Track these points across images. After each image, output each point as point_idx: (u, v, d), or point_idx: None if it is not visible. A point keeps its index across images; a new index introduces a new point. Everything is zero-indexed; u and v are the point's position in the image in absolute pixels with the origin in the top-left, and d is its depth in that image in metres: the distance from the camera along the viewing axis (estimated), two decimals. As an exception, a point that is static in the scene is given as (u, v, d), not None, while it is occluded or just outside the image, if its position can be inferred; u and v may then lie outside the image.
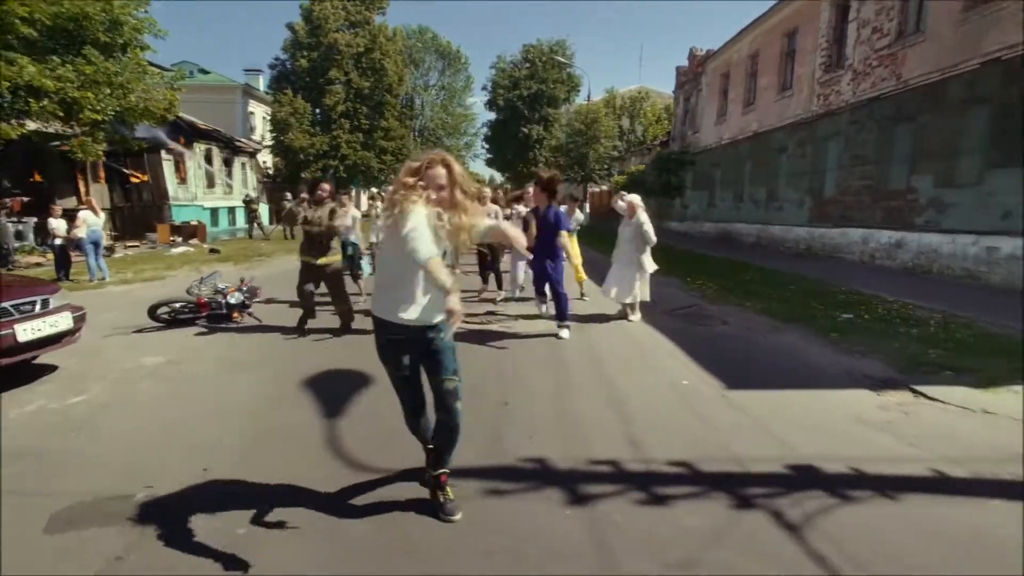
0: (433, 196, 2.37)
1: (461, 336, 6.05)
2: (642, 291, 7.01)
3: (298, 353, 5.46)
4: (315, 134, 32.49)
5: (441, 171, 2.42)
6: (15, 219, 15.56)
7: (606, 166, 32.65)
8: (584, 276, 8.78)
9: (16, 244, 14.16)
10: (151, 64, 15.76)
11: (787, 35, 17.09)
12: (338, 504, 2.72)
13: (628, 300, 7.00)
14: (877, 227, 12.46)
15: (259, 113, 35.74)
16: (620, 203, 7.06)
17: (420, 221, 2.22)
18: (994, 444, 3.42)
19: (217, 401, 4.17)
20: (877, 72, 12.63)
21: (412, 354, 2.55)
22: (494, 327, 6.72)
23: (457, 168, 2.47)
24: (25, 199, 17.52)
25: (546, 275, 6.35)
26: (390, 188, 2.46)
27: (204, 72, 32.84)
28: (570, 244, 8.38)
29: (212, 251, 16.02)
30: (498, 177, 54.83)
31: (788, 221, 16.44)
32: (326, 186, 6.57)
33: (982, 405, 4.03)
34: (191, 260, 14.16)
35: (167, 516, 2.59)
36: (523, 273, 8.29)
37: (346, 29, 33.80)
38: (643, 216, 6.82)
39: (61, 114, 12.07)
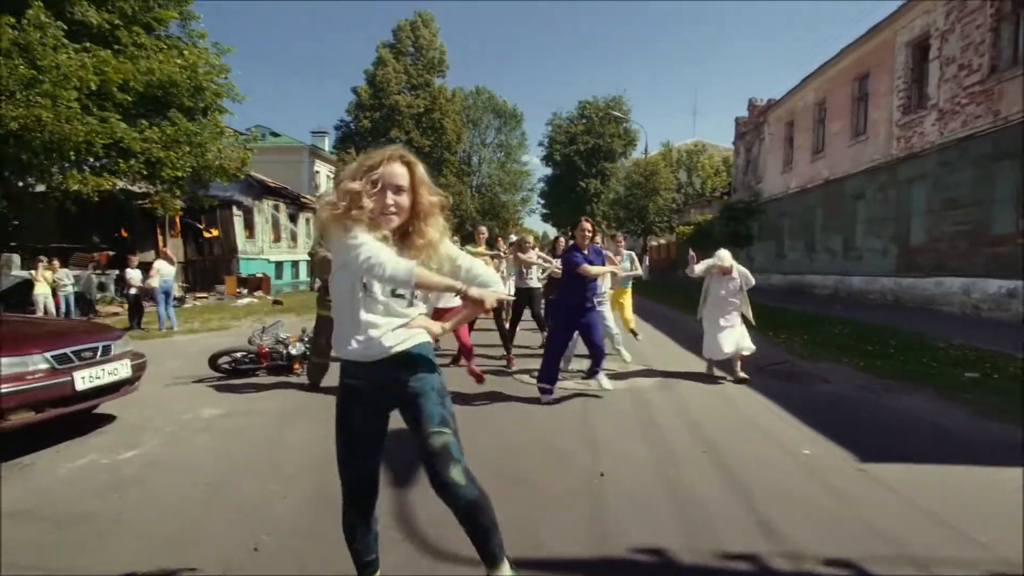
0: (390, 205, 1.77)
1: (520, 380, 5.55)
2: (747, 341, 6.26)
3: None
4: (376, 191, 33.61)
5: (400, 170, 1.80)
6: (100, 271, 16.46)
7: (666, 218, 32.07)
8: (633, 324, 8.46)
9: (99, 295, 14.88)
10: (227, 127, 16.70)
11: (858, 79, 16.43)
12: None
13: (736, 351, 6.15)
14: (981, 276, 11.26)
15: (324, 172, 37.55)
16: (696, 267, 6.28)
17: (367, 236, 1.70)
18: None
19: (271, 460, 3.78)
20: (968, 110, 11.76)
21: (374, 407, 1.88)
22: (566, 382, 6.16)
23: (420, 168, 1.87)
24: (111, 253, 18.63)
25: (587, 330, 5.45)
26: (323, 200, 1.84)
27: (275, 135, 34.98)
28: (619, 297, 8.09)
29: (275, 303, 16.32)
30: (552, 232, 55.25)
31: (870, 271, 15.26)
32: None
33: None
34: (255, 311, 14.39)
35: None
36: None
37: (407, 91, 35.52)
38: (741, 267, 6.31)
39: (145, 172, 12.74)
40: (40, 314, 10.36)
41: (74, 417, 4.17)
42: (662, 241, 34.28)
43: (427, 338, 1.92)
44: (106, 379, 4.11)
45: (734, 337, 6.17)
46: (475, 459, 3.65)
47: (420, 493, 3.12)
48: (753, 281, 6.30)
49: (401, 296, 1.84)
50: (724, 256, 6.20)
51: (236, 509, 2.98)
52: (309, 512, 2.96)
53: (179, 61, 13.45)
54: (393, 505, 3.01)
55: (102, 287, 15.22)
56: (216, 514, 2.95)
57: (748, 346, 6.22)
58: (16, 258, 18.62)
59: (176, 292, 16.38)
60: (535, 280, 8.02)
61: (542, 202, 43.87)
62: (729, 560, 2.48)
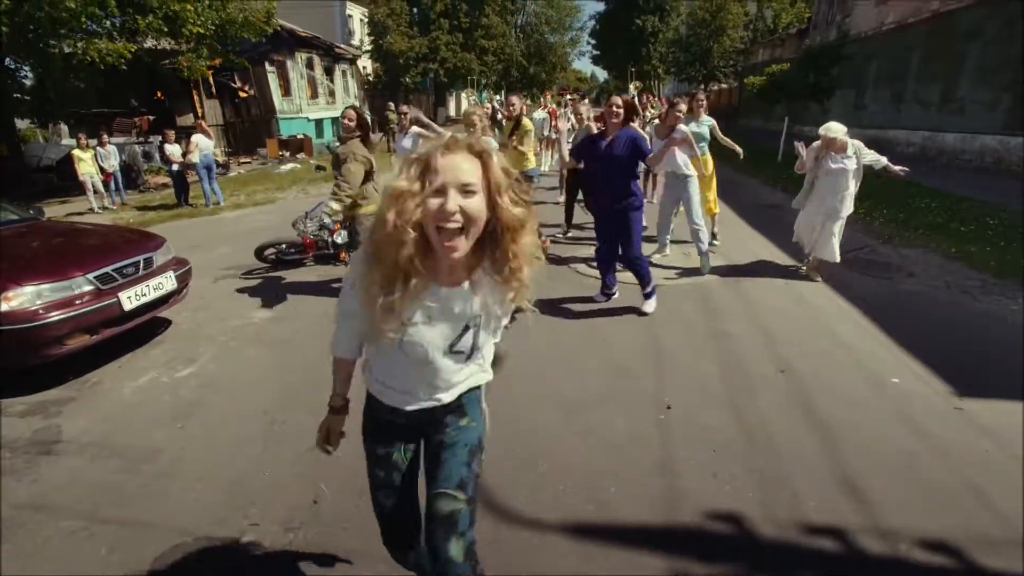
0: (452, 212, 1.20)
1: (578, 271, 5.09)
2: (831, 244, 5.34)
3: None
4: (414, 36, 31.06)
5: (467, 164, 1.23)
6: (142, 139, 16.31)
7: (732, 62, 28.48)
8: (717, 208, 6.96)
9: (145, 165, 14.87)
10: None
11: None
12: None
13: (825, 256, 5.39)
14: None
15: (357, 16, 34.64)
16: (805, 157, 5.25)
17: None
18: None
19: (324, 384, 3.73)
20: None
21: (405, 438, 1.62)
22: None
23: (497, 161, 1.28)
24: (151, 118, 18.32)
25: (614, 250, 4.66)
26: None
27: (302, -25, 31.88)
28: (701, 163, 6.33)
29: (318, 168, 15.95)
30: (602, 76, 50.72)
31: (971, 127, 13.38)
32: (352, 113, 4.79)
33: None
34: (299, 179, 14.19)
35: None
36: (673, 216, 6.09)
37: (443, -85, 31.05)
38: (858, 143, 5.11)
39: (166, 29, 11.89)
40: (90, 195, 10.40)
41: (140, 326, 4.16)
42: (723, 86, 30.93)
43: (484, 379, 1.59)
44: (152, 295, 4.02)
45: (813, 236, 5.41)
46: (527, 381, 3.54)
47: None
48: (878, 158, 5.10)
49: (460, 352, 1.45)
50: (836, 129, 5.07)
51: (295, 447, 2.94)
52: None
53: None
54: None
55: (147, 156, 15.14)
56: (276, 452, 2.93)
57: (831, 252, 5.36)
58: (64, 127, 18.64)
59: (220, 158, 16.26)
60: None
61: (592, 43, 39.73)
62: (813, 536, 2.28)
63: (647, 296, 4.74)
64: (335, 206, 4.41)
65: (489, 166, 1.25)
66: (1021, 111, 11.92)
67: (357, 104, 26.73)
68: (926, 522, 2.33)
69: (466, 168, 1.22)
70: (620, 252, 4.62)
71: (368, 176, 4.64)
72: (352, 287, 1.39)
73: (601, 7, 35.17)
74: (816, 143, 5.21)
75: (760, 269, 5.91)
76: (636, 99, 5.72)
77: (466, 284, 1.36)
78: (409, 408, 1.49)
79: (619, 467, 2.72)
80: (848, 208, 5.24)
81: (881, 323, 4.42)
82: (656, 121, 6.22)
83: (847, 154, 5.04)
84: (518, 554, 2.21)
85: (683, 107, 5.43)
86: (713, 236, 6.81)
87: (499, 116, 5.30)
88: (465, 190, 1.21)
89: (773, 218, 7.95)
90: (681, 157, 5.36)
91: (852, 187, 5.16)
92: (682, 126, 5.25)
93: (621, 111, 4.31)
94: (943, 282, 5.44)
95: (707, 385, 3.52)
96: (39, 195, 12.81)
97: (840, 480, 2.60)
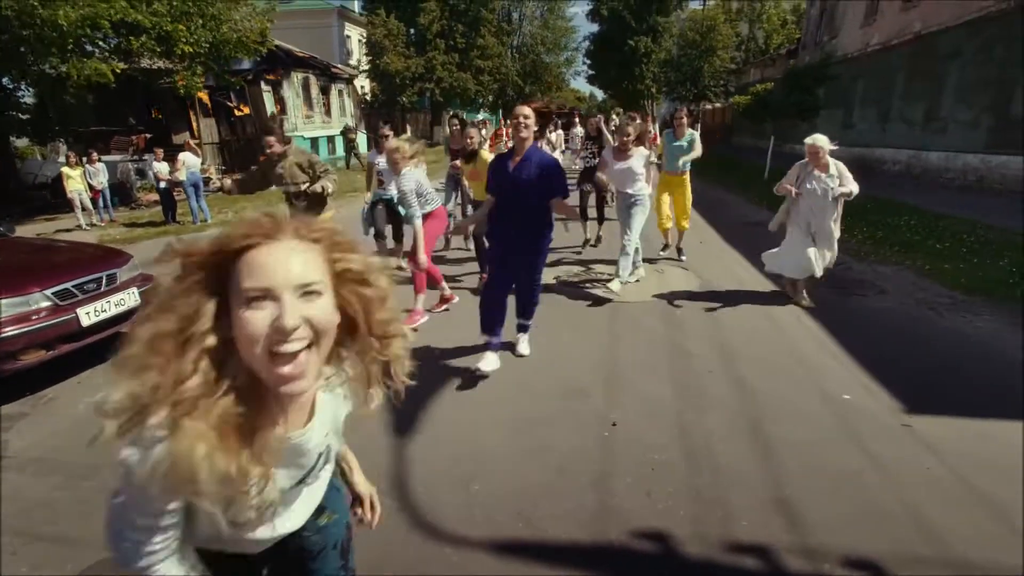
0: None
1: (548, 288, 5.02)
2: (822, 263, 5.14)
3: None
4: (410, 56, 31.50)
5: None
6: (136, 157, 16.48)
7: (722, 81, 28.87)
8: (688, 224, 7.03)
9: (139, 182, 15.01)
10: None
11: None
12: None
13: (807, 274, 5.18)
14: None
15: (355, 36, 35.18)
16: (787, 184, 5.04)
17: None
18: None
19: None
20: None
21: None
22: (592, 289, 5.81)
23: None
24: (147, 136, 18.53)
25: (510, 280, 4.01)
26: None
27: (300, -4, 32.45)
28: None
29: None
30: (599, 95, 51.24)
31: (954, 146, 13.52)
32: (270, 139, 5.07)
33: None
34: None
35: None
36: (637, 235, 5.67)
37: (439, -61, 31.68)
38: (842, 167, 4.93)
39: (159, 49, 12.09)
40: (78, 212, 10.50)
41: (102, 343, 4.17)
42: (719, 104, 31.27)
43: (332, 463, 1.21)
44: (113, 311, 4.05)
45: (821, 253, 5.07)
46: (470, 398, 3.55)
47: (419, 452, 3.01)
48: (854, 188, 4.85)
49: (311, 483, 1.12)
50: (821, 140, 4.89)
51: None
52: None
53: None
54: (391, 469, 2.90)
55: (140, 173, 15.29)
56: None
57: (829, 265, 5.20)
58: (63, 146, 18.85)
59: (213, 175, 16.40)
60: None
61: (587, 63, 40.22)
62: (737, 554, 2.28)
63: (523, 329, 4.22)
64: (331, 187, 5.12)
65: (336, 251, 0.91)
66: (1001, 131, 12.05)
67: (352, 124, 27.06)
68: (856, 540, 2.32)
69: (301, 261, 0.86)
70: (516, 283, 4.02)
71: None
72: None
73: (596, 28, 35.55)
74: (800, 161, 5.14)
75: (733, 287, 5.93)
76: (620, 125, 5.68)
77: (316, 418, 1.03)
78: (253, 551, 1.11)
79: (555, 485, 2.72)
80: (835, 232, 5.08)
81: (843, 340, 4.43)
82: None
83: (830, 173, 4.91)
84: (441, 573, 2.20)
85: (631, 130, 5.41)
86: (679, 251, 6.97)
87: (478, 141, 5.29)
88: (306, 291, 0.85)
89: (755, 235, 8.03)
90: (631, 176, 5.38)
91: (836, 210, 4.99)
92: (642, 149, 5.33)
93: (530, 122, 3.65)
94: (913, 300, 5.47)
95: (657, 403, 3.52)
96: (32, 212, 12.90)
97: (777, 499, 2.59)
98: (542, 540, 2.36)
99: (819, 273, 5.12)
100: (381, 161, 6.13)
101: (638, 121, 6.19)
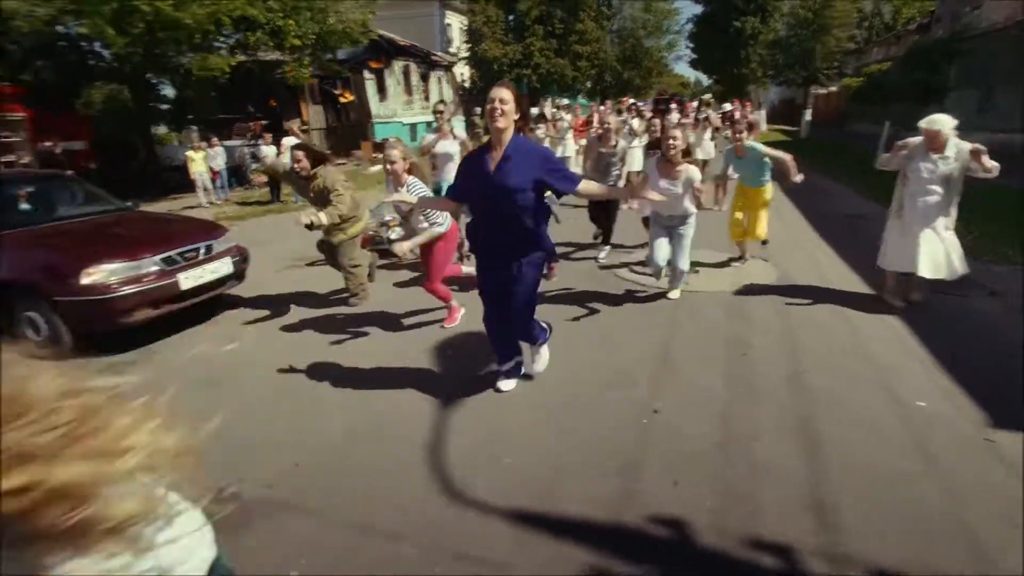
0: None
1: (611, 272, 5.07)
2: (956, 260, 4.48)
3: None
4: (508, 43, 31.77)
5: None
6: (253, 142, 18.07)
7: (836, 63, 26.30)
8: (765, 234, 6.07)
9: (253, 165, 16.48)
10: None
11: None
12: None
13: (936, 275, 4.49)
14: None
15: (456, 24, 35.98)
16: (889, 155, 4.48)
17: None
18: None
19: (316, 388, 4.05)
20: None
21: None
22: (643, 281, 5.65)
23: None
24: (264, 122, 20.24)
25: (503, 314, 3.26)
26: None
27: (404, -14, 33.63)
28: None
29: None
30: (704, 80, 48.84)
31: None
32: (299, 154, 4.69)
33: None
34: (381, 179, 14.99)
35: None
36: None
37: (540, -77, 31.52)
38: (965, 143, 4.23)
39: (271, 43, 13.16)
40: (199, 191, 11.74)
41: (205, 305, 4.74)
42: (833, 88, 28.70)
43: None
44: (208, 277, 4.56)
45: (935, 250, 4.41)
46: (522, 387, 3.61)
47: (459, 424, 3.16)
48: (991, 167, 4.12)
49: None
50: (943, 121, 4.20)
51: (292, 420, 3.26)
52: (355, 444, 3.14)
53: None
54: (425, 436, 3.07)
55: (255, 157, 16.75)
56: (277, 422, 3.26)
57: (959, 270, 4.47)
58: (195, 131, 21.04)
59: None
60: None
61: (691, 46, 38.46)
62: (755, 550, 2.20)
63: (540, 343, 3.58)
64: (325, 219, 4.38)
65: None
66: None
67: (444, 106, 27.76)
68: (891, 552, 2.17)
69: None
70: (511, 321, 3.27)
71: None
72: None
73: (699, 9, 33.82)
74: (912, 139, 4.52)
75: (814, 282, 5.51)
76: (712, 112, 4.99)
77: None
78: None
79: (584, 467, 2.76)
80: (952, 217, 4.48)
81: (931, 343, 4.03)
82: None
83: (944, 155, 4.25)
84: (454, 534, 2.33)
85: (677, 137, 4.52)
86: (762, 243, 6.35)
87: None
88: None
89: (852, 229, 7.43)
90: (679, 200, 4.60)
91: (951, 195, 4.36)
92: (692, 168, 4.57)
93: (508, 108, 2.79)
94: (1028, 304, 4.84)
95: (705, 393, 3.42)
96: (167, 192, 14.59)
97: (811, 499, 2.46)
98: (559, 516, 2.41)
99: (927, 273, 4.48)
100: (443, 145, 6.41)
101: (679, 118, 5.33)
